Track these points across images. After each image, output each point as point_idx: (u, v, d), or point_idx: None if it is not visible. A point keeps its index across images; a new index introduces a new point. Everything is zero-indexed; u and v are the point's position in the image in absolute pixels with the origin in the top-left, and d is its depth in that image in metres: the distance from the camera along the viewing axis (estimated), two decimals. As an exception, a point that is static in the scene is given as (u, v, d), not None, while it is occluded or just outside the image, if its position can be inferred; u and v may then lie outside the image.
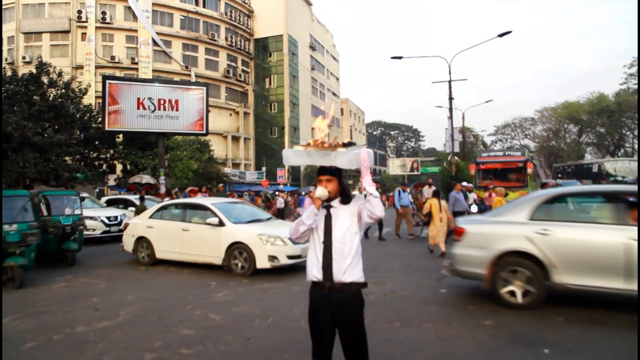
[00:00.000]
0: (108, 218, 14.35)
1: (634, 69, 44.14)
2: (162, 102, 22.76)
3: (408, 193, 14.03)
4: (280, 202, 20.56)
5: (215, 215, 8.83)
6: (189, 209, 9.70)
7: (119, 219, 14.34)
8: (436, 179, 35.71)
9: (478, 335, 4.73)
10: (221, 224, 8.66)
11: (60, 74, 23.22)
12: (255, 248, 8.17)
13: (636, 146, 48.13)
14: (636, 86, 44.03)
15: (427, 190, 13.82)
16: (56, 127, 21.77)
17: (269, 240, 8.16)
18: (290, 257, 8.16)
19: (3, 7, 37.89)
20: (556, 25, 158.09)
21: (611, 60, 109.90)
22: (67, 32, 38.32)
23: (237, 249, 8.39)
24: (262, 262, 8.09)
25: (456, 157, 26.46)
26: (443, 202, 10.77)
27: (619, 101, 44.22)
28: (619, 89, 46.85)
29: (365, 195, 2.82)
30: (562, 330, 4.84)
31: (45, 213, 9.53)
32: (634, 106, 42.04)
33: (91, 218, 13.62)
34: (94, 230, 13.71)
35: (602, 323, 5.08)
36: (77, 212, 10.28)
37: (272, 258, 8.06)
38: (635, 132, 47.08)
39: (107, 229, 14.17)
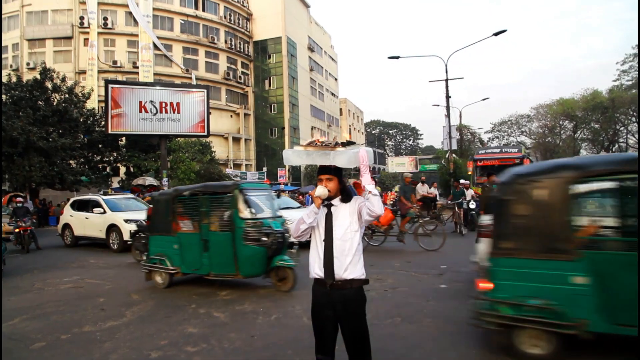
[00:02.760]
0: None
1: (627, 66, 45.07)
2: (163, 105, 22.91)
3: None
4: None
5: None
6: None
7: None
8: (434, 177, 35.76)
9: (479, 330, 4.78)
10: None
11: (63, 79, 23.43)
12: None
13: (630, 141, 49.03)
14: (629, 82, 44.86)
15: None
16: (60, 131, 21.97)
17: None
18: None
19: (7, 15, 38.19)
20: (551, 24, 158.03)
21: (604, 58, 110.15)
22: (70, 38, 38.57)
23: None
24: None
25: (454, 155, 26.55)
26: None
27: (613, 97, 44.83)
28: (612, 85, 47.49)
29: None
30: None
31: (245, 214, 6.98)
32: (627, 102, 42.75)
33: (136, 221, 12.16)
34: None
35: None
36: (279, 213, 7.85)
37: None
38: (629, 128, 48.04)
39: None
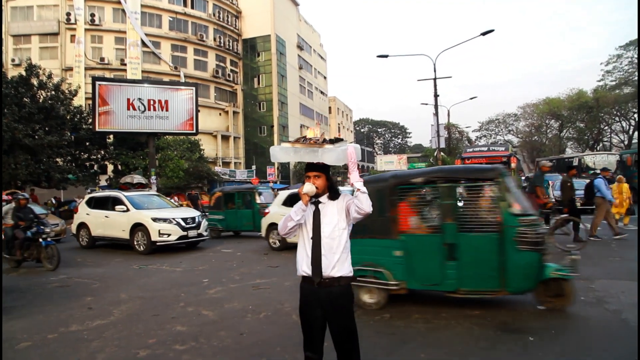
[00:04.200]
0: (184, 220, 11.99)
1: (610, 67, 46.13)
2: (152, 102, 22.71)
3: None
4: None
5: None
6: None
7: (196, 221, 12.31)
8: None
9: (466, 325, 4.86)
10: None
11: (49, 76, 23.13)
12: None
13: (614, 140, 50.35)
14: (613, 83, 45.95)
15: None
16: (47, 128, 21.70)
17: None
18: None
19: None
20: (538, 26, 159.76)
21: (589, 59, 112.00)
22: (56, 34, 38.04)
23: None
24: None
25: (442, 153, 26.77)
26: None
27: (597, 97, 45.83)
28: (597, 85, 48.38)
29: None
30: (546, 319, 4.97)
31: (518, 209, 5.29)
32: (611, 102, 43.86)
33: (164, 220, 11.72)
34: (168, 235, 11.57)
35: (583, 312, 5.23)
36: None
37: None
38: (613, 127, 49.26)
39: (185, 233, 11.80)
